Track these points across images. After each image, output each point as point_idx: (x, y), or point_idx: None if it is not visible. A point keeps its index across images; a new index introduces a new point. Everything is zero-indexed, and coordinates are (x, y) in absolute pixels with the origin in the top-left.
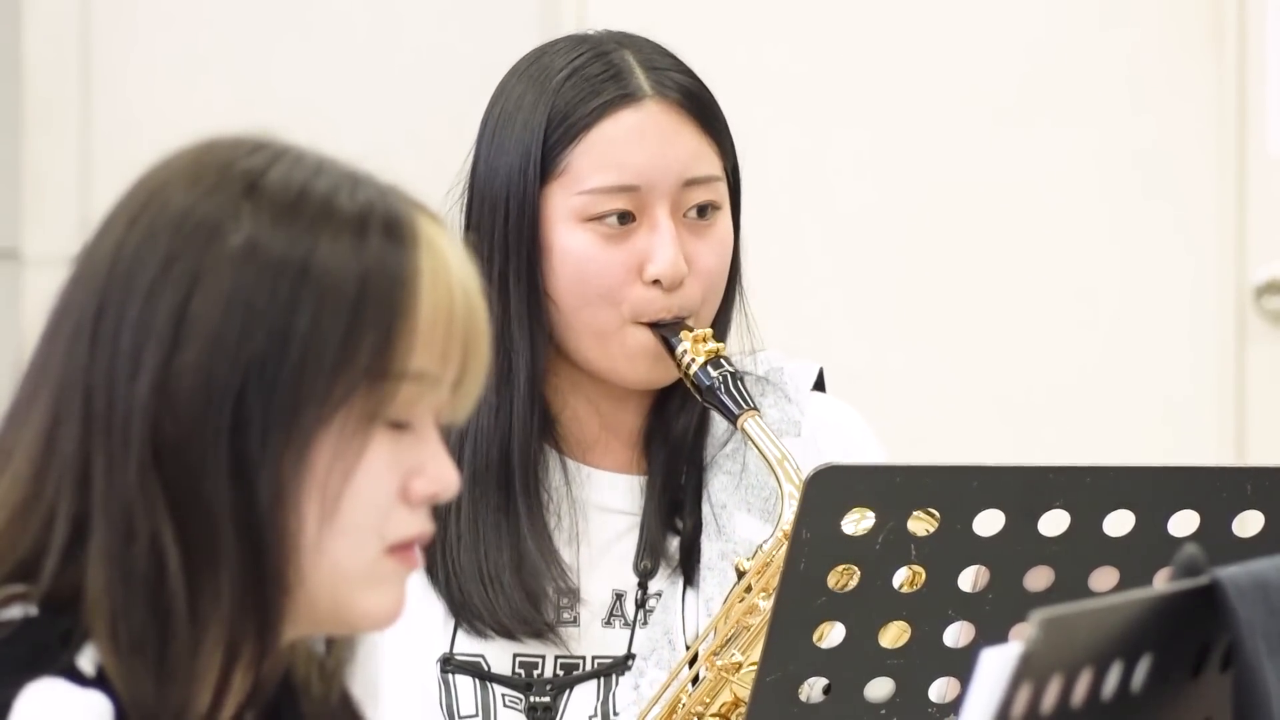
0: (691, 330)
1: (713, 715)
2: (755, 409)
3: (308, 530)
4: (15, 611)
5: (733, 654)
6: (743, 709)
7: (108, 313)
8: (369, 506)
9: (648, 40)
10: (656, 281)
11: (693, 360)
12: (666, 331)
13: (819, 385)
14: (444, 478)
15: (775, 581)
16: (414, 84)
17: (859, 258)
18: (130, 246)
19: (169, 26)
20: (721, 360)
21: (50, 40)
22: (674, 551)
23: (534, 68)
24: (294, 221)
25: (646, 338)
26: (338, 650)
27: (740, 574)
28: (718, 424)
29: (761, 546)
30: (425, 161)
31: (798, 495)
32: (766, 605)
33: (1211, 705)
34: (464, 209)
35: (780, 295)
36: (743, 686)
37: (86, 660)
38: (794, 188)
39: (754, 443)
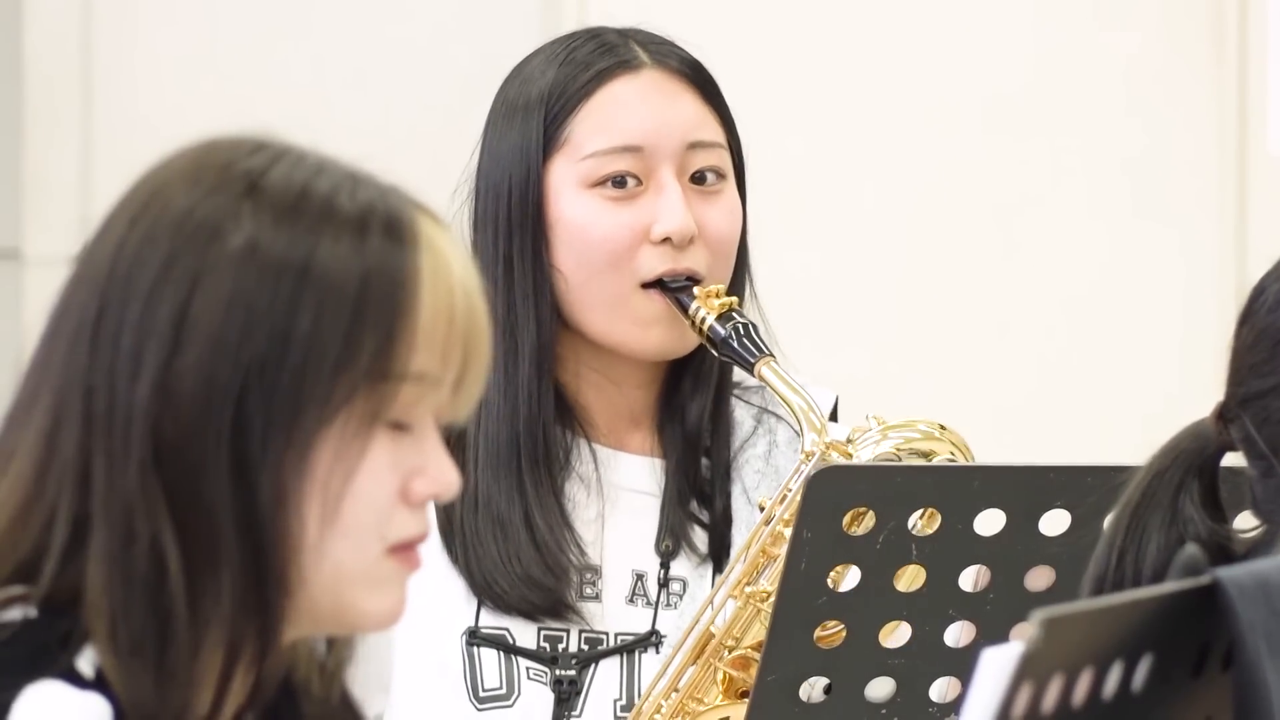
0: (703, 288)
1: (746, 647)
2: (770, 355)
3: (309, 531)
4: (14, 613)
5: (761, 583)
6: None
7: (108, 314)
8: (370, 507)
9: (647, 31)
10: (665, 241)
11: (706, 315)
12: (677, 293)
13: (833, 414)
14: (444, 478)
15: (795, 510)
16: (415, 84)
17: (858, 261)
18: (131, 247)
19: (170, 26)
20: (733, 313)
21: (51, 40)
22: (699, 539)
23: (534, 58)
24: (295, 222)
25: (657, 302)
26: (338, 651)
27: (763, 509)
28: (743, 420)
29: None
30: (426, 162)
31: (819, 440)
32: (790, 533)
33: (1212, 705)
34: (471, 206)
35: (779, 296)
36: None
37: (86, 662)
38: (792, 191)
39: (773, 388)
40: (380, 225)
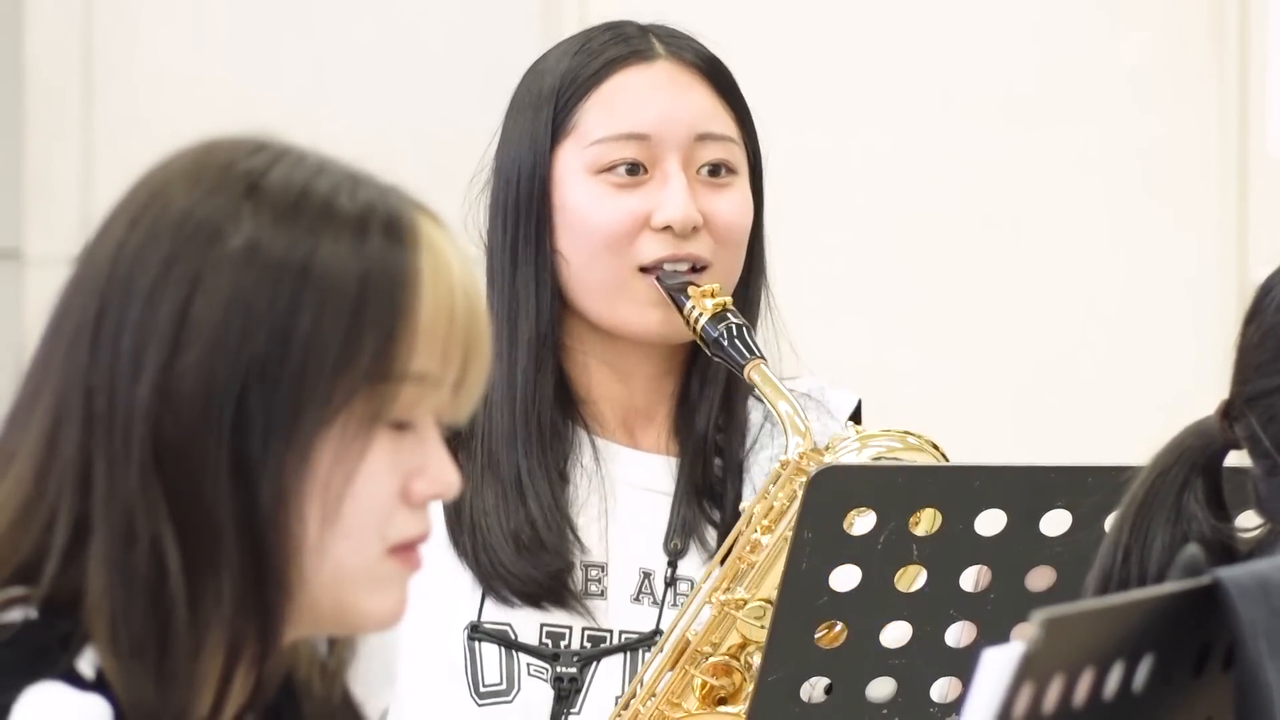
0: (699, 286)
1: (723, 654)
2: (762, 358)
3: (309, 532)
4: (15, 615)
5: (737, 590)
6: (750, 648)
7: (109, 314)
8: (370, 508)
9: (668, 26)
10: (667, 229)
11: (700, 315)
12: (674, 289)
13: (855, 416)
14: (445, 479)
15: (775, 517)
16: (416, 84)
17: (863, 255)
18: (131, 248)
19: (171, 26)
20: (727, 313)
21: (52, 40)
22: (709, 539)
23: (554, 49)
24: (295, 222)
25: (654, 288)
26: (339, 651)
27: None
28: (754, 421)
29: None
30: (426, 161)
31: (802, 445)
32: (768, 540)
33: (1213, 705)
34: (488, 196)
35: (795, 292)
36: (748, 624)
37: (86, 663)
38: (802, 188)
39: (761, 391)
40: (380, 225)
